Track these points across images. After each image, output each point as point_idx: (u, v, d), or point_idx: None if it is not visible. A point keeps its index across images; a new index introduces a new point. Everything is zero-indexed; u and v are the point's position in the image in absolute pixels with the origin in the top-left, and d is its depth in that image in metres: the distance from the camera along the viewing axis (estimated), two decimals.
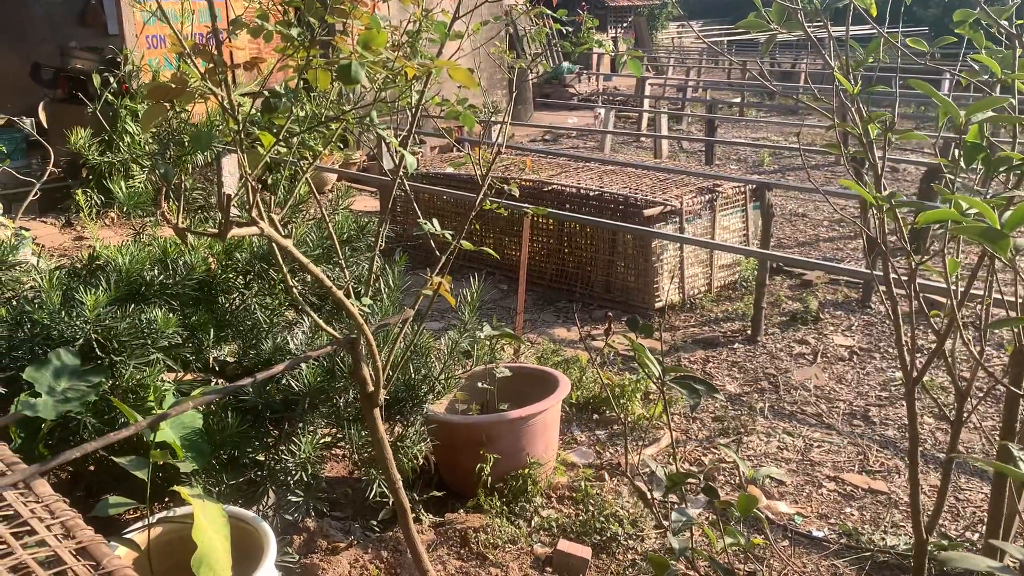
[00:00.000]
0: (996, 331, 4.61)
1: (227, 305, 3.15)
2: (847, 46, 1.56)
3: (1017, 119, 1.34)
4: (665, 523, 1.63)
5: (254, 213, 1.79)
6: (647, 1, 25.17)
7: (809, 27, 1.84)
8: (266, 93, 1.79)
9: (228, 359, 3.11)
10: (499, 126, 7.95)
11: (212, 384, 3.00)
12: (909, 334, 1.62)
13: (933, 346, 2.38)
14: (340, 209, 3.68)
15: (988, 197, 1.26)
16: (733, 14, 29.62)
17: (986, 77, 1.49)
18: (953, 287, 1.48)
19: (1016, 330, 1.64)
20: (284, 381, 2.88)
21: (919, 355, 4.19)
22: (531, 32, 15.19)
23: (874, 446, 4.06)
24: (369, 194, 8.85)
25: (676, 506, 1.67)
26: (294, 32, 1.79)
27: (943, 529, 3.40)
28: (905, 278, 1.59)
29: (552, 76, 16.85)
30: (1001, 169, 1.26)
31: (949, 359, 1.56)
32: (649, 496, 1.64)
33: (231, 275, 3.24)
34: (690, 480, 1.93)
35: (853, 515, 3.51)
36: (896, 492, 3.66)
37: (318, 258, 3.23)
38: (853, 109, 1.51)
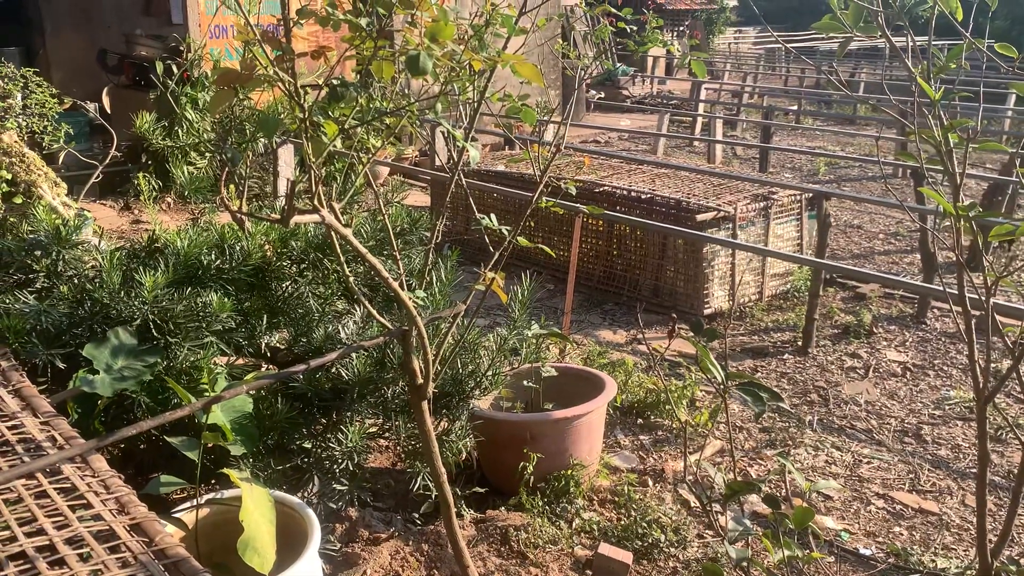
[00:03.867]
0: None
1: (281, 292, 3.18)
2: (929, 53, 1.51)
3: None
4: (714, 531, 1.60)
5: (316, 201, 1.80)
6: (706, 5, 24.92)
7: (879, 37, 1.79)
8: (333, 82, 1.79)
9: (280, 345, 3.14)
10: (554, 126, 7.94)
11: (264, 369, 3.04)
12: (982, 352, 1.57)
13: (997, 366, 2.29)
14: (394, 202, 3.70)
15: None
16: (791, 20, 29.14)
17: None
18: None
19: None
20: (334, 370, 2.90)
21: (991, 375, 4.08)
22: (588, 32, 15.14)
23: (925, 465, 3.96)
24: (420, 189, 8.90)
25: (733, 515, 1.63)
26: (363, 22, 1.79)
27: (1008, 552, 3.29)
28: (979, 295, 1.54)
29: (606, 78, 16.77)
30: None
31: (1022, 379, 1.50)
32: (704, 503, 1.60)
33: (286, 263, 3.27)
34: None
35: (902, 534, 3.42)
36: (947, 513, 3.56)
37: (371, 249, 3.25)
38: (932, 117, 1.46)
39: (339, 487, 2.73)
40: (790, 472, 1.56)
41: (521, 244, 2.30)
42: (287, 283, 3.24)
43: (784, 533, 1.76)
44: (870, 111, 14.48)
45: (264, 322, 3.06)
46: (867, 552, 3.29)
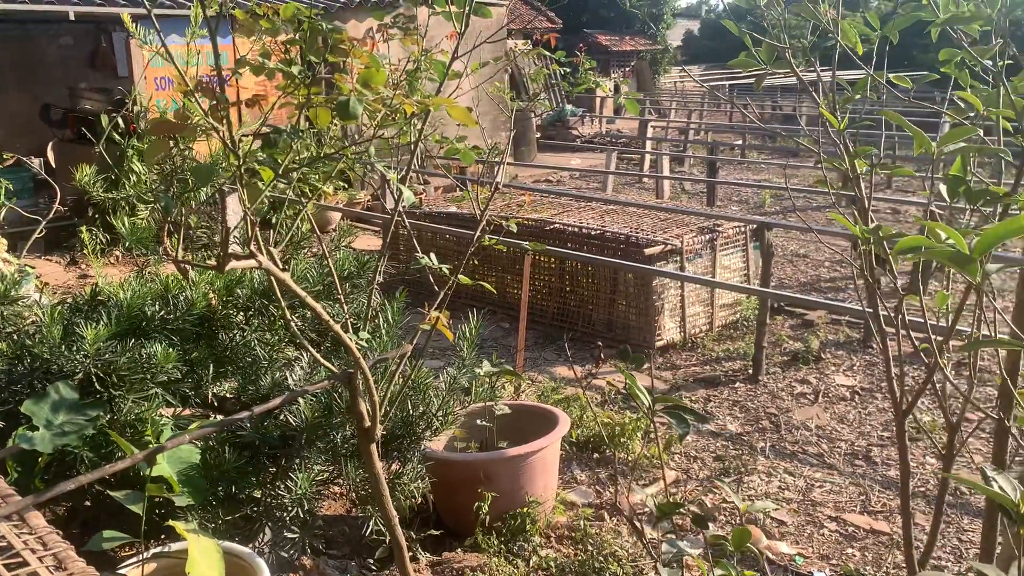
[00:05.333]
0: (988, 364, 4.60)
1: (227, 341, 3.16)
2: (833, 85, 1.59)
3: (991, 148, 1.36)
4: (656, 556, 1.62)
5: (252, 247, 1.81)
6: (650, 46, 25.54)
7: (802, 71, 1.88)
8: (265, 130, 1.82)
9: (227, 395, 3.11)
10: (500, 166, 8.06)
11: (211, 419, 3.00)
12: (898, 369, 1.63)
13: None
14: (342, 246, 3.71)
15: (971, 227, 1.28)
16: (734, 58, 29.92)
17: (972, 115, 1.52)
18: (943, 323, 1.49)
19: (1000, 361, 1.65)
20: (282, 417, 2.88)
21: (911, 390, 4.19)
22: (531, 73, 15.41)
23: (876, 486, 4.03)
24: (373, 233, 8.91)
25: (665, 537, 1.66)
26: (295, 70, 1.83)
27: (946, 566, 3.36)
28: (892, 313, 1.61)
29: (555, 118, 17.03)
30: (980, 202, 1.27)
31: (940, 393, 1.57)
32: (636, 529, 1.62)
33: (231, 311, 3.26)
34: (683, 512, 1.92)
35: (855, 556, 3.47)
36: (898, 532, 3.62)
37: (318, 294, 3.25)
38: (840, 146, 1.54)
39: (291, 535, 2.70)
40: (732, 500, 1.59)
41: (464, 283, 2.33)
42: (234, 332, 3.23)
43: (731, 557, 1.79)
44: (812, 143, 14.89)
45: (211, 372, 3.03)
46: (821, 574, 3.32)
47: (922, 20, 1.66)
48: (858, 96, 1.60)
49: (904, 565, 3.39)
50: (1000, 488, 1.01)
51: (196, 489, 2.51)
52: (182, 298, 3.03)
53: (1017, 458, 1.66)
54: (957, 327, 1.55)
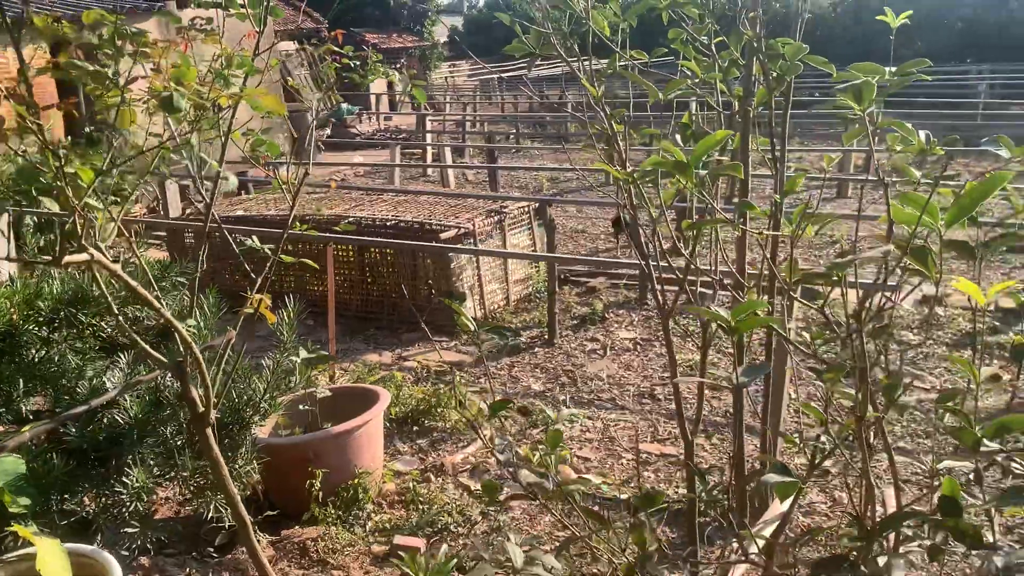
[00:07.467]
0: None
1: (33, 355, 3.10)
2: (591, 65, 1.95)
3: (697, 92, 1.78)
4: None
5: (84, 241, 1.91)
6: (419, 42, 25.96)
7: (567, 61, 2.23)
8: (88, 130, 1.92)
9: (43, 408, 3.07)
10: (289, 165, 8.08)
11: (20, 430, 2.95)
12: (660, 285, 2.04)
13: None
14: (139, 254, 3.71)
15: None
16: (498, 52, 30.91)
17: (696, 80, 1.94)
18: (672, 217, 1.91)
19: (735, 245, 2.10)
20: (105, 420, 2.90)
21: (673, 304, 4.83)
22: (309, 73, 15.28)
23: (661, 419, 4.60)
24: (155, 247, 8.59)
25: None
26: (110, 72, 1.94)
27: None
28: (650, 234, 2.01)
29: (334, 117, 16.99)
30: (688, 134, 1.67)
31: (692, 297, 1.98)
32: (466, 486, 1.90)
33: (32, 325, 3.19)
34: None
35: (651, 477, 3.99)
36: (683, 453, 4.19)
37: (125, 298, 3.26)
38: (599, 109, 1.90)
39: (130, 530, 2.74)
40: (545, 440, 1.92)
41: (285, 261, 2.51)
42: (37, 344, 3.17)
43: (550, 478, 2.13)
44: (579, 129, 15.94)
45: (20, 387, 2.98)
46: (624, 497, 3.80)
47: (658, 9, 2.06)
48: (611, 72, 1.97)
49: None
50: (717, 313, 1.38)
51: (28, 497, 2.50)
52: None
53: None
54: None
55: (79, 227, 1.92)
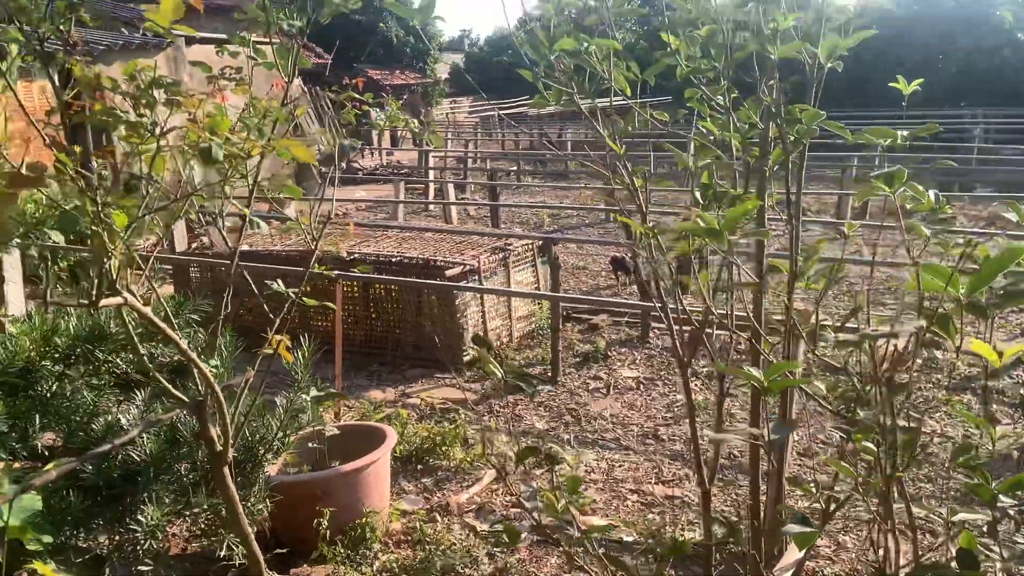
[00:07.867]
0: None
1: (49, 391, 3.14)
2: (611, 117, 2.02)
3: (728, 164, 1.85)
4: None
5: (119, 285, 1.96)
6: (420, 79, 26.27)
7: (580, 100, 2.31)
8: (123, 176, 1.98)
9: (56, 444, 3.10)
10: (294, 203, 8.15)
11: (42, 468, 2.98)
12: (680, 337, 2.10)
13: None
14: (157, 291, 3.76)
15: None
16: (498, 89, 31.11)
17: (711, 138, 2.01)
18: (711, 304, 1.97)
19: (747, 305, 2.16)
20: (120, 457, 2.93)
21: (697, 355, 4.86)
22: (309, 114, 15.47)
23: (666, 460, 4.63)
24: (159, 278, 8.63)
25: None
26: (147, 121, 2.00)
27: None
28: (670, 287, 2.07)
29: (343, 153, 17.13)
30: (722, 201, 1.74)
31: (710, 348, 2.04)
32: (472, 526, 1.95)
33: (48, 362, 3.23)
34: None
35: (655, 519, 4.01)
36: (688, 495, 4.22)
37: (142, 335, 3.31)
38: (621, 166, 1.97)
39: (143, 568, 2.76)
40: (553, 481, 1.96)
41: (308, 304, 2.56)
42: (52, 381, 3.21)
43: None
44: (579, 166, 16.13)
45: (37, 423, 3.01)
46: (630, 539, 3.82)
47: (671, 66, 2.14)
48: (630, 128, 2.04)
49: (695, 521, 3.97)
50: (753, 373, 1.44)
51: (45, 535, 2.53)
52: (1, 351, 2.99)
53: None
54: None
55: (114, 271, 1.98)
